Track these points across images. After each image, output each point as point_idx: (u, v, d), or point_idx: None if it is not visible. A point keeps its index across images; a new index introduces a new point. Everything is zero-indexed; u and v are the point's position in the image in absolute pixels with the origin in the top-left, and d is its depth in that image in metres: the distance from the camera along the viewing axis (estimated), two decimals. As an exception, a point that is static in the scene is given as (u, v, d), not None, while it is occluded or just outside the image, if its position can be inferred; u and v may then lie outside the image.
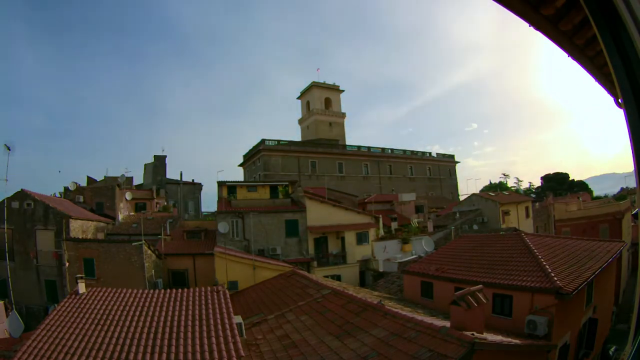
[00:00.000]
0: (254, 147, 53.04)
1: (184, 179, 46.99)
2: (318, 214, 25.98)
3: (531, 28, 2.72)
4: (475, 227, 30.55)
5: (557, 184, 68.32)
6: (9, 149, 18.57)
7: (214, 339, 8.96)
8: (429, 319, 9.44)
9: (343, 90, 65.30)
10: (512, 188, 74.64)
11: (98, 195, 29.71)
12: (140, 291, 11.85)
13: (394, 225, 33.77)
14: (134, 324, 9.65)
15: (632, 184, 33.22)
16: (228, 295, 11.79)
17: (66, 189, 30.78)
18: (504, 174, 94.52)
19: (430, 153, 66.96)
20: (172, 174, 47.22)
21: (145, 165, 46.91)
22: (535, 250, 13.92)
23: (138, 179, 45.30)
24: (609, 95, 3.13)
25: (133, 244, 19.78)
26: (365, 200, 40.38)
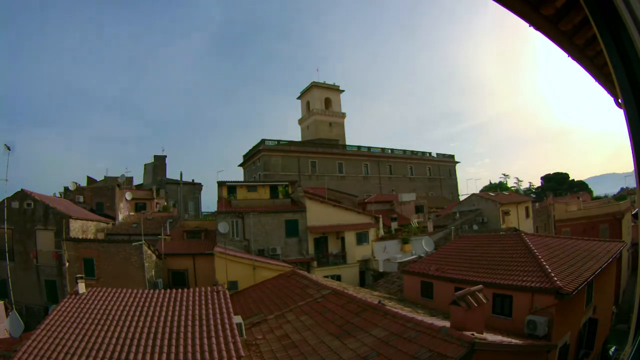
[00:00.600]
0: (254, 147, 52.99)
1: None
2: (318, 214, 25.97)
3: (531, 28, 2.72)
4: (475, 227, 30.57)
5: (557, 184, 68.43)
6: (9, 149, 18.56)
7: (214, 339, 8.96)
8: (429, 319, 9.44)
9: (343, 90, 65.37)
10: (512, 188, 74.74)
11: (98, 195, 29.68)
12: (140, 291, 11.85)
13: (394, 225, 33.77)
14: (134, 324, 9.66)
15: (632, 184, 33.24)
16: (228, 295, 11.80)
17: (66, 189, 30.77)
18: (504, 174, 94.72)
19: (430, 153, 66.93)
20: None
21: (145, 165, 46.83)
22: (535, 251, 13.91)
23: (138, 179, 45.37)
24: (609, 95, 3.13)
25: (133, 244, 19.77)
26: (365, 201, 40.41)
